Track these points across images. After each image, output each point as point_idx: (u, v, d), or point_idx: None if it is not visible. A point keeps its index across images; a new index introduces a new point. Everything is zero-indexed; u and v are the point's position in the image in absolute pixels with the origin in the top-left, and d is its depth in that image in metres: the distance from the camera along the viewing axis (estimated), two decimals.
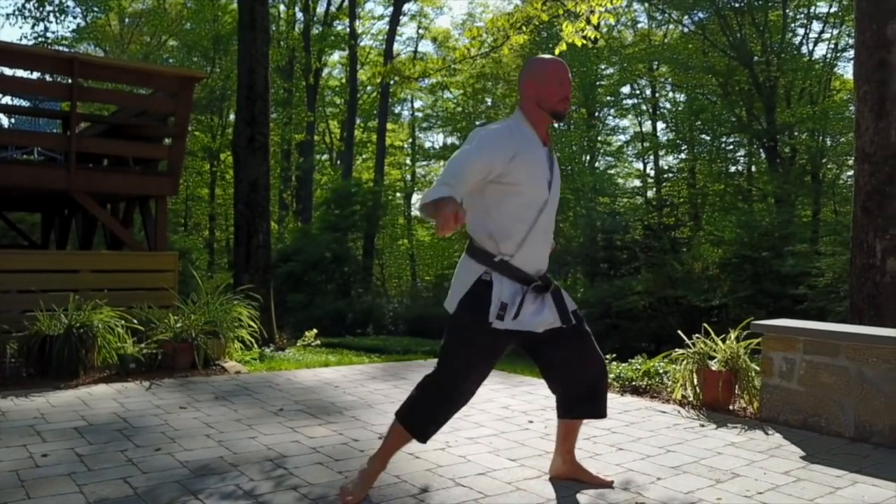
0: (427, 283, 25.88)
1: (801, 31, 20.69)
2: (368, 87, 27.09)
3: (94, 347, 5.01)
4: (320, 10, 26.11)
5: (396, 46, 27.08)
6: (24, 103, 9.60)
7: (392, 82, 19.60)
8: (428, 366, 6.03)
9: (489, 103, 26.06)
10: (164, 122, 7.17)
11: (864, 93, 5.64)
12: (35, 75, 11.14)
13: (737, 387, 4.26)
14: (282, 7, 24.95)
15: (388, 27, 25.82)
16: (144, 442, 3.45)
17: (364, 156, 29.34)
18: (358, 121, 27.04)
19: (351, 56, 24.95)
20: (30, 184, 6.21)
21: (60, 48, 20.64)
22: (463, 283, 2.64)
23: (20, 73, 8.05)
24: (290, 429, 3.76)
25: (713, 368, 4.24)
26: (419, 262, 28.32)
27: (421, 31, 29.94)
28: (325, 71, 27.79)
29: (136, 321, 5.35)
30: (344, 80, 27.48)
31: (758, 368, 4.15)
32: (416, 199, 31.05)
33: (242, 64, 9.92)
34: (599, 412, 2.85)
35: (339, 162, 27.66)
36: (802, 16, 20.47)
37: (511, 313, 2.56)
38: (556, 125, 2.56)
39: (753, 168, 21.86)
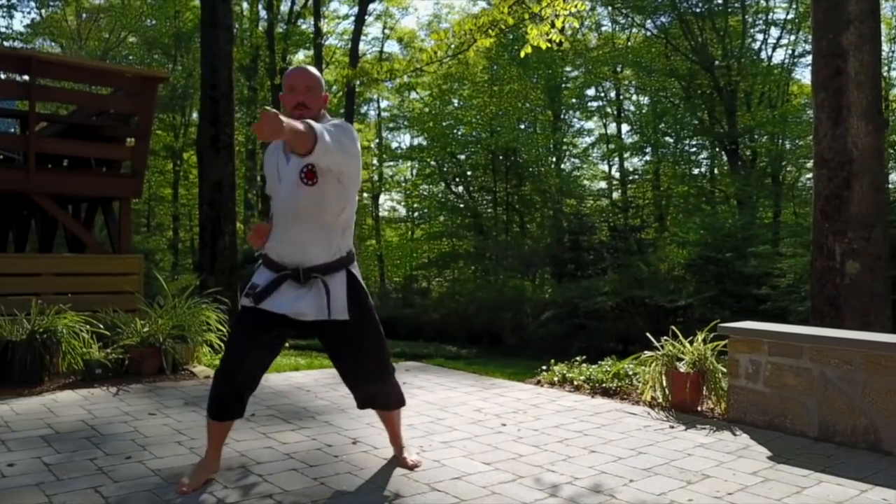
0: (396, 284, 25.82)
1: (759, 36, 21.20)
2: (334, 87, 26.93)
3: (58, 353, 4.90)
4: (284, 8, 25.86)
5: (362, 46, 26.97)
6: None
7: (359, 83, 19.52)
8: (399, 368, 6.03)
9: (456, 104, 26.09)
10: (127, 122, 7.05)
11: (821, 100, 5.80)
12: None
13: (704, 388, 4.35)
14: (245, 5, 24.65)
15: (353, 27, 25.66)
16: (114, 450, 3.39)
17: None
18: None
19: (316, 55, 24.75)
20: None
21: (14, 44, 20.14)
22: None
23: None
24: (262, 434, 3.72)
25: (681, 370, 4.32)
26: (387, 263, 28.24)
27: (386, 31, 29.86)
28: None
29: (101, 326, 5.24)
30: None
31: (724, 370, 4.24)
32: (383, 199, 30.97)
33: (205, 62, 9.79)
34: (385, 406, 3.15)
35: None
36: (761, 22, 20.96)
37: (258, 294, 2.83)
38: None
39: (716, 170, 22.32)
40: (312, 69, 2.88)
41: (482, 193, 25.08)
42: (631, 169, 24.31)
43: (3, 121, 8.48)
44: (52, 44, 24.23)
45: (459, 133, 24.86)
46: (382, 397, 3.09)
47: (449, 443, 3.60)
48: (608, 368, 5.07)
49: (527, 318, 17.18)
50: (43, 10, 21.41)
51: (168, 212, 25.04)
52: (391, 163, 30.63)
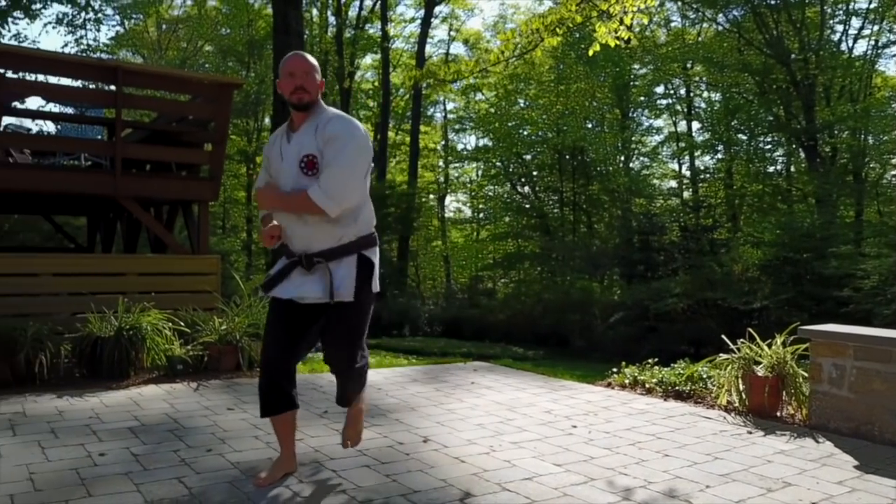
0: (462, 285, 25.90)
1: (839, 27, 20.29)
2: (401, 90, 27.23)
3: (143, 349, 5.13)
4: (352, 13, 26.32)
5: (428, 49, 27.15)
6: (70, 111, 9.84)
7: (426, 85, 19.69)
8: (467, 368, 6.06)
9: (522, 104, 25.98)
10: (205, 127, 7.30)
11: None
12: (79, 83, 11.41)
13: (784, 393, 4.20)
14: (314, 11, 25.20)
15: (419, 30, 25.90)
16: (195, 442, 3.52)
17: (397, 158, 29.50)
18: (391, 123, 27.17)
19: (383, 59, 25.09)
20: (77, 189, 6.37)
21: (100, 55, 21.14)
22: None
23: (64, 80, 8.31)
24: (334, 431, 3.79)
25: (759, 374, 4.19)
26: (453, 264, 28.37)
27: (452, 33, 29.99)
28: (358, 74, 27.98)
29: (182, 324, 5.46)
30: (377, 83, 27.65)
31: (806, 374, 4.09)
32: (448, 200, 31.10)
33: (277, 68, 10.06)
34: (338, 401, 3.25)
35: (372, 164, 27.83)
36: (841, 12, 20.06)
37: (267, 283, 2.94)
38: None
39: (792, 168, 21.48)
40: (308, 56, 2.92)
41: (548, 193, 24.89)
42: (702, 167, 23.67)
43: (90, 128, 8.93)
44: (135, 54, 25.35)
45: (525, 133, 24.75)
46: (341, 385, 3.15)
47: (519, 443, 3.59)
48: (681, 371, 4.96)
49: (595, 319, 16.95)
50: (126, 23, 22.44)
51: (242, 214, 25.82)
52: (457, 164, 30.76)
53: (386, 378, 5.43)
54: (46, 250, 10.38)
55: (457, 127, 30.79)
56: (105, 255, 8.37)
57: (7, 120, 7.32)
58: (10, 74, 6.01)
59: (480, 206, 29.16)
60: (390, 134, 27.32)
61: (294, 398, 2.96)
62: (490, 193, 27.87)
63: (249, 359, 5.44)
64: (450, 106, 31.19)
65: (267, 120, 24.32)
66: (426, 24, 25.42)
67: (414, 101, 25.32)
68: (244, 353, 5.40)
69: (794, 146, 20.44)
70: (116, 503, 2.68)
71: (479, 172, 29.23)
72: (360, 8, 26.55)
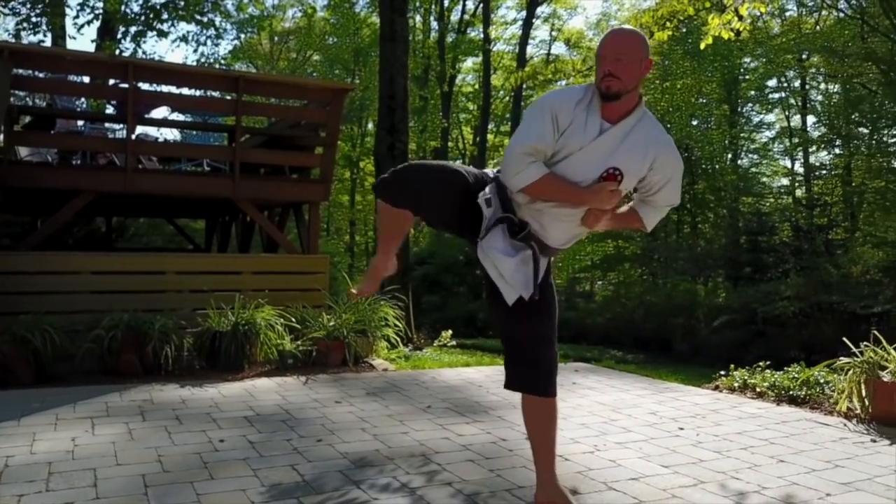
0: (558, 287, 25.61)
1: None
2: (501, 92, 27.28)
3: (256, 343, 5.41)
4: (454, 17, 26.59)
5: (529, 50, 27.05)
6: (191, 119, 10.46)
7: (526, 86, 19.66)
8: (568, 369, 6.02)
9: None
10: (316, 132, 7.61)
11: None
12: (199, 93, 12.09)
13: None
14: (417, 17, 25.64)
15: (521, 31, 25.85)
16: (306, 433, 3.68)
17: (496, 160, 29.56)
18: (491, 125, 27.26)
19: (484, 62, 25.21)
20: (200, 192, 6.79)
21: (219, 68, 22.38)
22: None
23: (187, 91, 8.85)
24: (439, 426, 3.87)
25: (885, 380, 3.94)
26: None
27: (554, 33, 29.71)
28: (459, 77, 28.23)
29: (293, 320, 5.71)
30: (477, 86, 27.82)
31: None
32: None
33: (383, 74, 10.29)
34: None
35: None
36: None
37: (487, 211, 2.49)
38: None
39: None
40: (630, 32, 2.39)
41: None
42: (817, 164, 22.34)
43: (208, 134, 9.47)
44: (249, 66, 26.62)
45: None
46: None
47: (624, 444, 3.55)
48: (796, 375, 4.74)
49: (699, 323, 16.34)
50: (242, 37, 23.59)
51: (346, 217, 26.59)
52: None
53: (487, 376, 5.48)
54: (169, 251, 11.10)
55: None
56: (223, 254, 8.87)
57: (138, 129, 7.89)
58: (142, 86, 6.48)
59: None
60: (490, 136, 27.42)
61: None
62: None
63: (355, 354, 5.63)
64: None
65: (370, 125, 24.97)
66: (528, 25, 25.36)
67: (514, 103, 25.31)
68: (350, 349, 5.59)
69: None
70: (236, 486, 2.84)
71: None
72: (463, 12, 26.82)
